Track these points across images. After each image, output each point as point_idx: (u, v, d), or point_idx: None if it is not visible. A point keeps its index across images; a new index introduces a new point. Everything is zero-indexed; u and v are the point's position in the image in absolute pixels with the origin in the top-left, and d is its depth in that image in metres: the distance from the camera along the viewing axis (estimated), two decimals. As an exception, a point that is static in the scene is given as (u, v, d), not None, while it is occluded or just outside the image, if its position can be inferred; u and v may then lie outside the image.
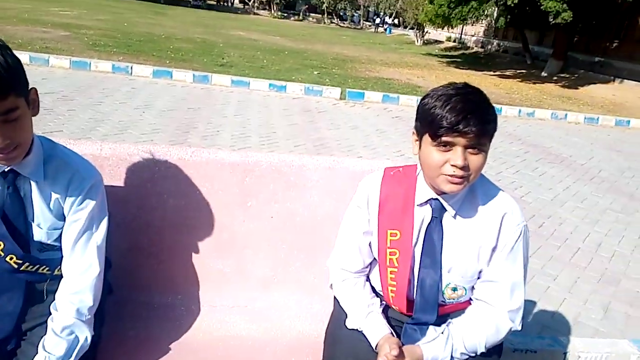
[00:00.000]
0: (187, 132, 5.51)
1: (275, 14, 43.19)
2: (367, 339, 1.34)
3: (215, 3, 51.00)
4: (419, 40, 26.98)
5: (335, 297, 1.50)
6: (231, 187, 1.70)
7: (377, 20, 36.20)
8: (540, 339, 2.24)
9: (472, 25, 21.61)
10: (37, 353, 1.21)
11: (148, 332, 1.53)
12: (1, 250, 1.25)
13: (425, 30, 26.91)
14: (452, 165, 1.20)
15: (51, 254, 1.32)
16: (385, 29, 34.52)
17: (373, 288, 1.47)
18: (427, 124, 1.23)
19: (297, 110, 7.44)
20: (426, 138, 1.24)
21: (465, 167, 1.20)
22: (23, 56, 8.17)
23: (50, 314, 1.28)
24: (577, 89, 15.35)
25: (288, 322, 1.67)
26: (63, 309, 1.26)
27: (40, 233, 1.29)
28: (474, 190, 1.33)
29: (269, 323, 1.66)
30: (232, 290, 1.70)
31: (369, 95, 8.87)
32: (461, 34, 27.63)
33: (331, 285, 1.48)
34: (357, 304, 1.40)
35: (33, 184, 1.26)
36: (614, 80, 16.26)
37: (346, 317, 1.41)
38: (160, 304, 1.63)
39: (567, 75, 17.22)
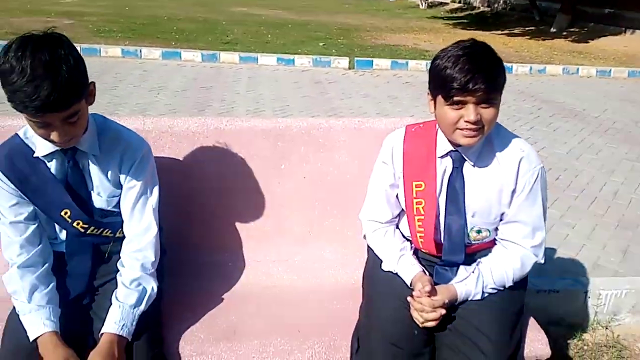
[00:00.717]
0: (202, 110, 5.61)
1: (275, -13, 42.52)
2: (401, 278, 1.48)
3: (213, -20, 50.17)
4: (423, 3, 26.43)
5: (368, 246, 1.64)
6: (265, 151, 1.82)
7: (380, -14, 35.39)
8: (562, 279, 2.36)
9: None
10: (109, 305, 1.36)
11: (202, 286, 1.68)
12: (68, 217, 1.39)
13: (429, -8, 26.32)
14: (466, 121, 1.30)
15: (112, 219, 1.47)
16: (388, -5, 33.80)
17: (402, 235, 1.60)
18: (439, 85, 1.33)
19: (307, 82, 7.49)
20: (439, 99, 1.35)
21: (478, 122, 1.30)
22: (34, 47, 8.28)
23: (117, 271, 1.44)
24: (587, 42, 15.03)
25: (326, 272, 1.81)
26: (129, 265, 1.41)
27: (100, 201, 1.44)
28: (490, 139, 1.43)
29: (309, 273, 1.80)
30: (273, 246, 1.85)
31: (378, 62, 8.85)
32: (466, -6, 26.95)
33: (364, 235, 1.61)
34: (389, 249, 1.53)
35: (90, 157, 1.39)
36: (625, 32, 15.89)
37: (381, 262, 1.55)
38: (209, 261, 1.78)
39: (577, 30, 16.85)
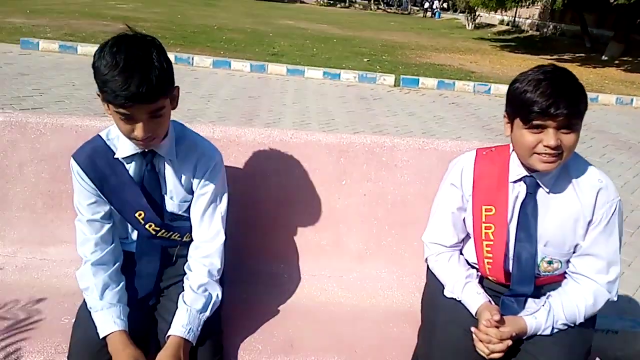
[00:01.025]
0: (251, 120, 5.71)
1: (321, 2, 43.11)
2: (465, 307, 1.44)
3: (262, -8, 51.35)
4: (470, 24, 26.24)
5: (428, 270, 1.60)
6: (327, 166, 1.83)
7: (427, 5, 35.39)
8: (621, 320, 2.25)
9: (527, 7, 20.77)
10: (174, 308, 1.38)
11: (258, 296, 1.69)
12: (142, 218, 1.43)
13: (477, 13, 26.11)
14: (545, 146, 1.27)
15: (181, 223, 1.50)
16: (434, 13, 33.75)
17: (467, 261, 1.56)
18: (518, 108, 1.30)
19: (353, 98, 7.52)
20: (517, 121, 1.31)
21: (557, 147, 1.26)
22: (91, 48, 8.65)
23: (182, 274, 1.46)
24: (641, 72, 14.54)
25: (382, 292, 1.79)
26: (197, 270, 1.43)
27: (172, 205, 1.47)
28: (566, 167, 1.39)
29: (364, 292, 1.78)
30: (329, 261, 1.84)
31: (424, 81, 8.80)
32: (515, 16, 26.61)
33: (426, 258, 1.58)
34: (454, 276, 1.49)
35: (167, 162, 1.43)
36: (683, 63, 15.27)
37: (442, 287, 1.51)
38: (266, 271, 1.79)
39: (630, 59, 16.32)
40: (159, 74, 1.18)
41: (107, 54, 1.18)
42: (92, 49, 8.61)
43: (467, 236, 1.54)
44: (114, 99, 1.17)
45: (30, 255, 1.78)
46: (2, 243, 1.80)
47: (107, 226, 1.43)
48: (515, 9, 21.12)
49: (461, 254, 1.57)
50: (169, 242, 1.50)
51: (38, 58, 7.82)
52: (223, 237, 1.48)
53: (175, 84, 1.31)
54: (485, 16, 27.54)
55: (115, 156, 1.39)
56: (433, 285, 1.56)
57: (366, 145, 1.83)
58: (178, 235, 1.50)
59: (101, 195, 1.40)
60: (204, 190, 1.46)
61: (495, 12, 21.73)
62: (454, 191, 1.51)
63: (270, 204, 1.83)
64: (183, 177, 1.45)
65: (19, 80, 6.27)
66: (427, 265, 1.60)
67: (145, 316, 1.44)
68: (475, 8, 23.57)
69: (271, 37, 15.99)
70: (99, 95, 1.26)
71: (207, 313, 1.38)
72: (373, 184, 1.84)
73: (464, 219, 1.51)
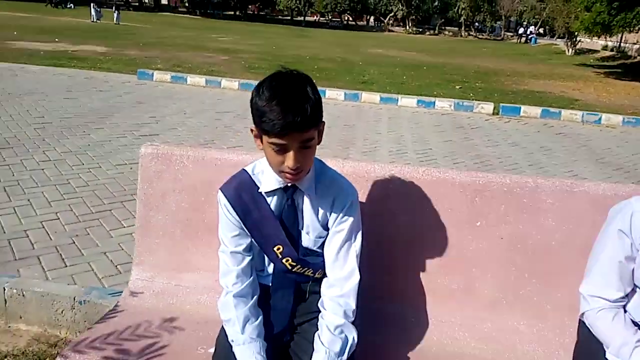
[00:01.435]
0: (347, 148, 5.74)
1: (410, 30, 43.18)
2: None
3: (352, 23, 52.66)
4: (570, 49, 24.81)
5: (582, 327, 1.44)
6: (461, 206, 1.73)
7: (521, 30, 34.07)
8: None
9: (635, 32, 19.26)
10: (309, 347, 1.36)
11: (385, 339, 1.62)
12: (280, 252, 1.44)
13: (578, 39, 24.65)
14: None
15: (314, 259, 1.49)
16: (530, 39, 32.37)
17: (632, 320, 1.38)
18: None
19: (449, 127, 7.32)
20: None
21: None
22: (200, 79, 9.30)
23: (315, 312, 1.44)
24: None
25: (520, 347, 1.64)
26: (332, 309, 1.39)
27: (307, 240, 1.46)
28: None
29: (500, 346, 1.64)
30: (460, 308, 1.73)
31: (526, 109, 8.37)
32: (620, 42, 24.78)
33: (583, 314, 1.43)
34: (620, 336, 1.32)
35: (306, 197, 1.43)
36: None
37: (602, 348, 1.35)
38: (392, 313, 1.72)
39: None
40: (313, 105, 1.24)
41: (266, 89, 1.25)
42: (200, 79, 9.31)
43: (633, 290, 1.37)
44: (271, 128, 1.22)
45: (167, 280, 1.87)
46: (142, 268, 1.90)
47: (247, 258, 1.45)
48: (620, 34, 19.67)
49: (625, 311, 1.40)
50: (303, 277, 1.49)
51: (152, 88, 8.54)
52: (358, 277, 1.44)
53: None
54: (586, 41, 25.92)
55: (259, 190, 1.43)
56: (589, 345, 1.40)
57: (505, 185, 1.71)
58: (311, 271, 1.49)
59: (244, 228, 1.43)
60: (340, 227, 1.45)
61: (599, 37, 20.37)
62: (622, 239, 1.35)
63: (399, 243, 1.77)
64: (320, 213, 1.45)
65: (136, 108, 6.86)
66: (581, 321, 1.44)
67: (281, 353, 1.43)
68: (576, 33, 22.27)
69: (361, 66, 16.23)
70: (252, 130, 1.33)
71: (345, 357, 1.34)
72: (512, 227, 1.71)
73: (632, 271, 1.35)
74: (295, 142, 1.25)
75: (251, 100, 1.28)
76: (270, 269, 1.50)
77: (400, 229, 1.76)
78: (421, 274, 1.77)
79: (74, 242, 2.96)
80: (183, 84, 9.03)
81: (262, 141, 1.30)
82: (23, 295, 2.26)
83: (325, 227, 1.47)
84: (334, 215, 1.45)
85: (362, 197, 1.77)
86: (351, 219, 1.45)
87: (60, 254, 2.82)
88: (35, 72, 9.05)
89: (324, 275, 1.52)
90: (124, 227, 3.23)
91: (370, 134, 6.53)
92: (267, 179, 1.42)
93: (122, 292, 2.35)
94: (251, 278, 1.46)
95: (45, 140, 4.92)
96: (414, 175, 1.76)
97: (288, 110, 1.20)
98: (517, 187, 1.71)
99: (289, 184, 1.40)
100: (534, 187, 1.71)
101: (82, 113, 6.23)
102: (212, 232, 1.85)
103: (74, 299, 2.25)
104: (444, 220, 1.74)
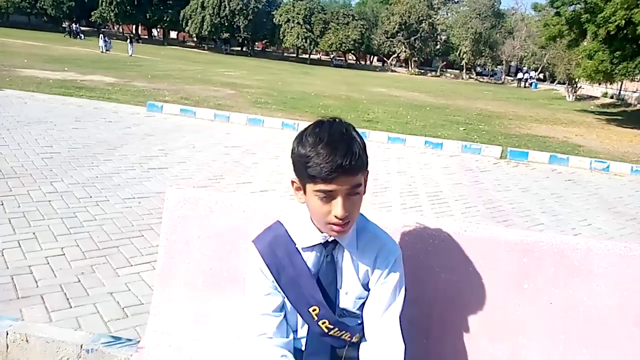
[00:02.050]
0: (358, 188, 5.66)
1: (412, 71, 44.01)
2: None
3: (355, 62, 53.72)
4: (571, 95, 25.21)
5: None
6: (506, 266, 1.62)
7: (520, 75, 34.73)
8: None
9: (636, 81, 19.61)
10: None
11: (428, 414, 1.48)
12: (316, 314, 1.32)
13: (578, 85, 25.08)
14: None
15: (352, 321, 1.37)
16: (531, 84, 32.95)
17: None
18: None
19: (458, 169, 7.28)
20: None
21: None
22: (209, 113, 9.32)
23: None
24: None
25: None
26: None
27: (345, 300, 1.35)
28: None
29: (551, 423, 1.50)
30: (505, 378, 1.59)
31: (534, 155, 8.36)
32: (620, 89, 25.22)
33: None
34: None
35: (346, 254, 1.33)
36: None
37: None
38: (432, 382, 1.58)
39: None
40: (360, 150, 1.18)
41: (309, 136, 1.18)
42: (209, 113, 9.31)
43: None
44: (319, 172, 1.14)
45: (185, 334, 1.73)
46: (160, 319, 1.77)
47: (279, 319, 1.33)
48: (620, 82, 20.03)
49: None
50: (339, 341, 1.37)
51: (161, 120, 8.53)
52: (402, 346, 1.33)
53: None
54: (587, 88, 26.36)
55: (296, 246, 1.32)
56: None
57: (555, 245, 1.61)
58: (349, 335, 1.37)
59: (277, 287, 1.32)
60: (382, 288, 1.34)
61: (600, 84, 20.72)
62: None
63: (437, 303, 1.65)
64: (361, 271, 1.34)
65: (146, 140, 6.81)
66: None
67: None
68: (577, 80, 22.67)
69: (365, 104, 16.39)
70: (293, 183, 1.25)
71: None
72: (562, 291, 1.59)
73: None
74: (344, 187, 1.17)
75: (292, 152, 1.21)
76: (304, 331, 1.38)
77: (440, 288, 1.65)
78: (462, 339, 1.64)
79: (80, 281, 2.82)
80: (192, 117, 9.03)
81: (305, 192, 1.22)
82: (27, 341, 2.11)
83: (366, 287, 1.36)
84: (376, 273, 1.34)
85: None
86: (394, 278, 1.35)
87: (65, 294, 2.68)
88: (44, 101, 9.06)
89: (362, 339, 1.40)
90: (131, 265, 3.09)
91: (380, 174, 6.46)
92: (306, 234, 1.31)
93: (130, 340, 2.22)
94: (284, 340, 1.33)
95: (52, 170, 4.83)
96: (455, 231, 1.66)
97: (336, 153, 1.13)
98: (567, 248, 1.61)
99: (330, 239, 1.30)
100: (586, 249, 1.60)
101: (90, 144, 6.16)
102: (236, 283, 1.73)
103: (81, 346, 2.10)
104: (488, 281, 1.63)
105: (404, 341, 1.37)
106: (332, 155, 1.13)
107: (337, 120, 1.23)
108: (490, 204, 5.52)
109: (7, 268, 2.86)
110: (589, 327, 1.58)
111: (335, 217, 1.18)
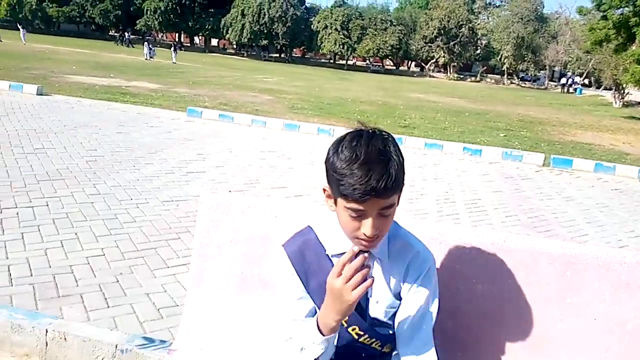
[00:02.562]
0: (393, 195, 5.59)
1: (451, 76, 43.32)
2: None
3: (392, 68, 53.40)
4: (618, 101, 24.15)
5: None
6: (548, 279, 1.54)
7: (564, 80, 33.54)
8: None
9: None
10: None
11: None
12: (345, 321, 1.29)
13: (626, 91, 24.01)
14: None
15: (383, 330, 1.33)
16: (575, 89, 31.80)
17: None
18: None
19: (498, 176, 7.07)
20: None
21: None
22: (246, 118, 9.45)
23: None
24: None
25: None
26: None
27: (376, 309, 1.31)
28: None
29: None
30: (545, 397, 1.51)
31: (578, 163, 8.03)
32: (673, 94, 23.94)
33: None
34: None
35: (377, 262, 1.30)
36: None
37: None
38: (467, 397, 1.52)
39: None
40: (396, 170, 1.12)
41: (345, 149, 1.14)
42: (246, 118, 9.45)
43: None
44: (351, 193, 1.11)
45: (217, 337, 1.74)
46: (192, 322, 1.78)
47: None
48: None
49: None
50: (369, 350, 1.33)
51: (200, 125, 8.71)
52: (434, 356, 1.28)
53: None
54: (635, 94, 25.19)
55: (326, 252, 1.30)
56: None
57: (600, 258, 1.52)
58: (379, 344, 1.33)
59: (306, 292, 1.30)
60: (415, 297, 1.30)
61: (651, 89, 19.76)
62: None
63: (474, 315, 1.58)
64: (392, 280, 1.30)
65: (185, 145, 6.97)
66: None
67: None
68: (625, 85, 21.70)
69: (402, 110, 16.22)
70: (324, 190, 1.23)
71: None
72: (607, 307, 1.50)
73: None
74: (376, 208, 1.13)
75: (327, 159, 1.18)
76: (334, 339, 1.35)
77: (476, 300, 1.58)
78: (499, 353, 1.57)
79: (118, 281, 2.89)
80: (230, 122, 9.19)
81: (336, 203, 1.19)
82: (65, 339, 2.17)
83: (397, 297, 1.32)
84: (408, 282, 1.30)
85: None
86: (428, 288, 1.31)
87: (103, 293, 2.75)
88: (90, 106, 9.43)
89: (393, 349, 1.35)
90: (168, 267, 3.15)
91: (417, 180, 6.36)
92: (336, 240, 1.29)
93: (164, 342, 2.25)
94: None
95: (96, 173, 5.00)
96: (494, 240, 1.59)
97: (371, 175, 1.09)
98: (614, 262, 1.52)
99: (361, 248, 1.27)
100: (634, 262, 1.51)
101: (132, 147, 6.35)
102: (267, 287, 1.73)
103: (116, 346, 2.14)
104: (528, 294, 1.56)
105: (437, 354, 1.32)
106: (367, 178, 1.09)
107: (376, 132, 1.19)
108: (532, 213, 5.33)
109: (50, 267, 2.96)
110: (636, 345, 1.48)
111: (364, 234, 1.16)
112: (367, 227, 1.15)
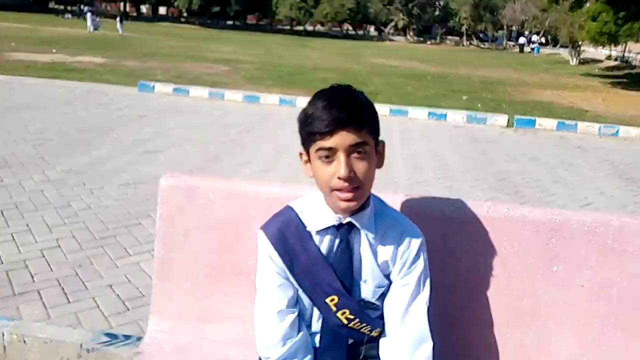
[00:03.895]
0: (361, 164, 5.52)
1: (411, 39, 43.19)
2: None
3: (352, 33, 52.76)
4: (574, 59, 24.75)
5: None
6: (533, 248, 1.49)
7: (521, 40, 33.99)
8: None
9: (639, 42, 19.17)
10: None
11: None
12: (334, 305, 1.21)
13: (582, 48, 24.58)
14: None
15: (372, 312, 1.26)
16: (533, 49, 32.34)
17: None
18: None
19: (464, 140, 7.11)
20: None
21: None
22: (203, 91, 9.09)
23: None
24: None
25: (611, 416, 1.39)
26: None
27: (366, 289, 1.24)
28: None
29: (586, 414, 1.40)
30: (535, 367, 1.48)
31: (541, 122, 8.17)
32: (624, 51, 24.73)
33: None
34: None
35: (364, 238, 1.21)
36: None
37: None
38: (457, 374, 1.47)
39: None
40: (363, 105, 1.12)
41: (313, 99, 1.13)
42: (203, 91, 9.09)
43: None
44: (316, 126, 1.07)
45: (189, 332, 1.62)
46: (161, 317, 1.65)
47: (293, 316, 1.22)
48: (625, 43, 19.61)
49: None
50: (358, 335, 1.26)
51: (154, 100, 8.33)
52: (431, 343, 1.23)
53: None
54: (590, 51, 25.84)
55: (307, 229, 1.21)
56: None
57: (585, 224, 1.47)
58: (368, 328, 1.25)
59: (289, 277, 1.21)
60: (406, 279, 1.23)
61: (604, 47, 20.29)
62: None
63: (460, 290, 1.52)
64: (380, 258, 1.22)
65: (138, 122, 6.64)
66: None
67: None
68: (580, 43, 22.21)
69: (364, 76, 16.08)
70: (301, 155, 1.18)
71: None
72: (594, 272, 1.46)
73: None
74: (345, 144, 1.07)
75: (298, 118, 1.14)
76: (318, 325, 1.26)
77: (461, 274, 1.52)
78: (487, 327, 1.52)
79: (77, 274, 2.71)
80: (185, 96, 8.81)
81: (310, 160, 1.13)
82: (24, 342, 2.01)
83: (387, 276, 1.24)
84: (399, 263, 1.23)
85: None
86: (419, 266, 1.24)
87: (63, 288, 2.57)
88: (33, 85, 8.84)
89: (382, 333, 1.27)
90: (130, 255, 2.98)
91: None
92: (318, 215, 1.20)
93: (133, 337, 2.11)
94: (299, 336, 1.21)
95: (44, 158, 4.67)
96: (477, 211, 1.52)
97: (335, 106, 1.07)
98: (599, 226, 1.47)
99: (344, 222, 1.18)
100: (619, 226, 1.47)
101: (82, 128, 5.99)
102: (241, 276, 1.60)
103: (81, 345, 1.99)
104: (514, 265, 1.50)
105: (432, 337, 1.25)
106: (330, 108, 1.07)
107: (348, 85, 1.16)
108: (499, 176, 5.38)
109: (2, 263, 2.75)
110: (624, 309, 1.46)
111: (339, 178, 1.07)
112: (340, 166, 1.07)
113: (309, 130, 1.09)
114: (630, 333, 1.46)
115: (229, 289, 1.60)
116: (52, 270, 2.73)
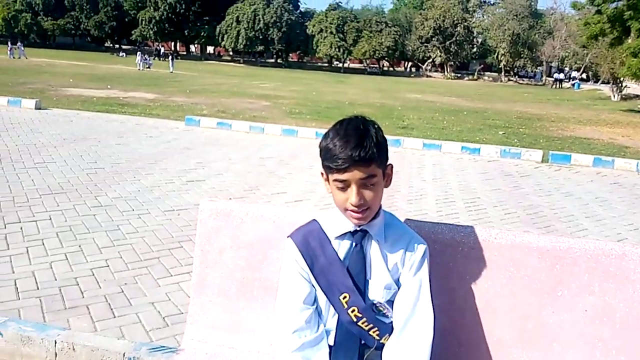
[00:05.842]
0: (392, 196, 5.63)
1: (448, 75, 43.38)
2: None
3: (389, 69, 53.52)
4: (616, 95, 24.19)
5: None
6: (539, 273, 1.59)
7: (557, 76, 33.56)
8: None
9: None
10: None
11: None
12: (346, 302, 1.37)
13: (624, 84, 24.05)
14: None
15: (382, 318, 1.40)
16: (573, 84, 31.85)
17: None
18: None
19: (497, 174, 7.12)
20: None
21: None
22: (244, 125, 9.52)
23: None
24: None
25: None
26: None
27: (375, 291, 1.40)
28: None
29: None
30: (540, 388, 1.56)
31: (577, 158, 8.07)
32: (670, 86, 23.96)
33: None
34: None
35: (375, 244, 1.39)
36: None
37: None
38: (464, 391, 1.57)
39: None
40: (374, 143, 1.27)
41: (331, 132, 1.32)
42: (244, 125, 9.52)
43: None
44: (333, 163, 1.26)
45: (221, 342, 1.78)
46: (196, 327, 1.83)
47: (310, 311, 1.39)
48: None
49: None
50: (367, 337, 1.40)
51: (199, 133, 8.78)
52: (432, 314, 1.40)
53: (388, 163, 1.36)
54: (633, 87, 25.22)
55: (327, 235, 1.41)
56: None
57: (588, 251, 1.57)
58: (377, 332, 1.39)
59: (309, 276, 1.39)
60: (412, 282, 1.39)
61: (647, 81, 19.79)
62: None
63: (468, 311, 1.63)
64: (390, 262, 1.40)
65: (184, 154, 7.03)
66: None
67: None
68: (622, 79, 21.75)
69: (400, 111, 16.29)
70: (322, 174, 1.37)
71: None
72: (597, 298, 1.55)
73: None
74: (357, 177, 1.26)
75: (319, 144, 1.34)
76: (332, 323, 1.42)
77: (470, 296, 1.63)
78: (495, 348, 1.62)
79: (123, 292, 2.94)
80: (228, 130, 9.25)
81: (328, 181, 1.33)
82: (73, 349, 2.23)
83: (396, 281, 1.41)
84: (406, 267, 1.40)
85: (429, 258, 1.67)
86: (423, 272, 1.41)
87: (109, 304, 2.80)
88: (88, 118, 9.51)
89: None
90: (172, 275, 3.20)
91: (415, 180, 6.41)
92: (336, 224, 1.41)
93: (171, 348, 2.30)
94: (316, 331, 1.37)
95: (97, 185, 5.06)
96: (485, 238, 1.64)
97: (348, 146, 1.24)
98: (602, 254, 1.57)
99: (358, 228, 1.37)
100: (621, 254, 1.56)
101: (132, 158, 6.42)
102: (268, 291, 1.78)
103: (124, 354, 2.19)
104: (520, 289, 1.60)
105: (434, 311, 1.42)
106: (344, 148, 1.24)
107: (360, 117, 1.35)
108: (531, 210, 5.37)
109: (55, 280, 3.02)
110: (627, 333, 1.53)
111: (351, 204, 1.28)
112: (352, 196, 1.28)
113: (327, 165, 1.30)
114: (633, 356, 1.53)
115: (256, 304, 1.77)
116: (100, 287, 2.98)
